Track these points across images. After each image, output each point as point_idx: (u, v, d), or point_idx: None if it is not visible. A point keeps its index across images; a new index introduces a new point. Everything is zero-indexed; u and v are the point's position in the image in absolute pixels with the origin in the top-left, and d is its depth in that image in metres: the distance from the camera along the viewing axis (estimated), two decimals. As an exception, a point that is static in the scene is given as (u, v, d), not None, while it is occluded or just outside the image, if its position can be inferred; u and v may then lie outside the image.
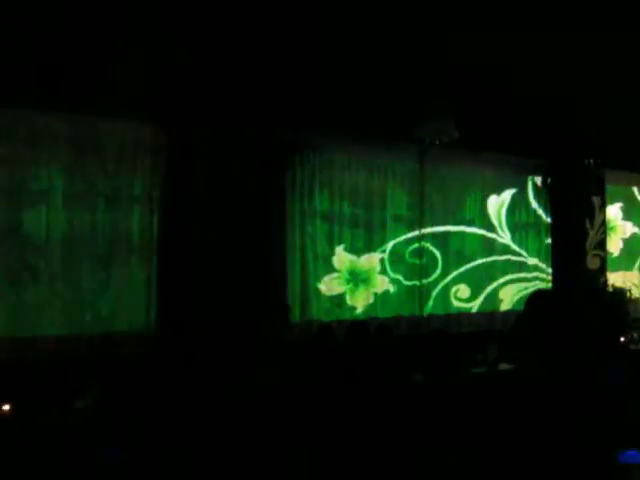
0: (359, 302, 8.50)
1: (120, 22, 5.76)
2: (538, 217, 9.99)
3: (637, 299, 10.21)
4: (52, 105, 6.47)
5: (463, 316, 9.29)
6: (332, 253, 8.28)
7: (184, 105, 6.88)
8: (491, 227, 9.58)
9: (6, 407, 5.49)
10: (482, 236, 9.49)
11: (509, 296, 9.60)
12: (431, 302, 9.03)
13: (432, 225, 9.05)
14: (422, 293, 8.95)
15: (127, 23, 5.77)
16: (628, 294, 9.87)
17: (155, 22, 6.07)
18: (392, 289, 8.74)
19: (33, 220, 6.52)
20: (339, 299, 8.35)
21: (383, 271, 8.69)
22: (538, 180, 9.97)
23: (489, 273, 9.50)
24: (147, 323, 6.97)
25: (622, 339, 8.30)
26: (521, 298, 9.35)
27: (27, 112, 6.47)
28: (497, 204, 9.69)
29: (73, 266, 6.70)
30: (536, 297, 5.14)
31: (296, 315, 7.76)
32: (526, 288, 9.52)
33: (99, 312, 6.78)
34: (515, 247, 9.75)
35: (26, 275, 6.48)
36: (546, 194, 10.00)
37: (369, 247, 8.58)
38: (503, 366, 7.39)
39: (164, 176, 7.07)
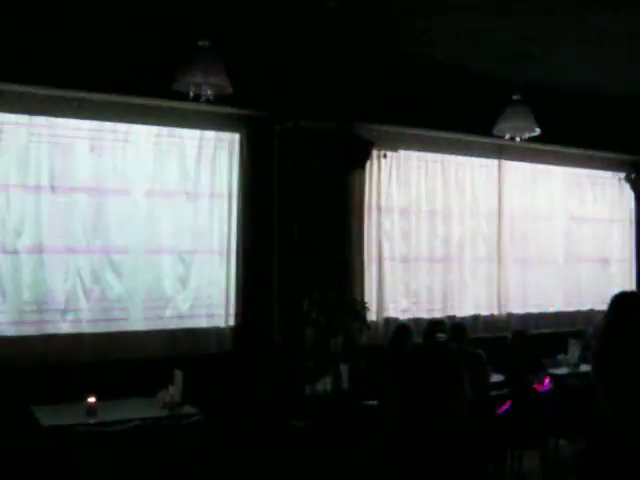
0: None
1: (201, 21, 5.85)
2: (622, 213, 9.73)
3: None
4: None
5: (543, 315, 9.11)
6: (409, 250, 8.22)
7: (264, 101, 6.92)
8: (572, 223, 9.39)
9: (92, 399, 5.66)
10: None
11: (591, 295, 9.37)
12: (510, 301, 8.90)
13: (510, 222, 8.92)
14: (501, 291, 8.83)
15: (208, 23, 5.87)
16: None
17: (236, 21, 6.18)
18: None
19: (115, 217, 6.68)
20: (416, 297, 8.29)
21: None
22: (622, 176, 9.74)
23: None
24: (226, 320, 7.06)
25: None
26: (604, 297, 9.10)
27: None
28: (579, 200, 9.49)
29: (154, 263, 6.84)
30: (620, 299, 4.99)
31: (373, 313, 7.72)
32: (609, 286, 9.25)
33: (179, 308, 6.90)
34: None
35: (109, 273, 6.65)
36: (630, 190, 9.75)
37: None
38: (584, 368, 7.23)
39: (243, 173, 7.13)
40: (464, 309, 8.53)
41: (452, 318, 8.16)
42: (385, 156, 7.95)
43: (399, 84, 7.57)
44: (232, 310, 7.07)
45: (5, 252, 6.24)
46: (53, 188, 6.40)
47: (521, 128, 7.21)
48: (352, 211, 7.62)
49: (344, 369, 6.63)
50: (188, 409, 5.84)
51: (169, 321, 6.83)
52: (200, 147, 7.00)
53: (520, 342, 7.16)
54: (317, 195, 7.23)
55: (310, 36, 6.57)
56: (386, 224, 8.01)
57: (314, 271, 7.09)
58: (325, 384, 6.57)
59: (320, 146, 7.22)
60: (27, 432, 5.57)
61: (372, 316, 7.67)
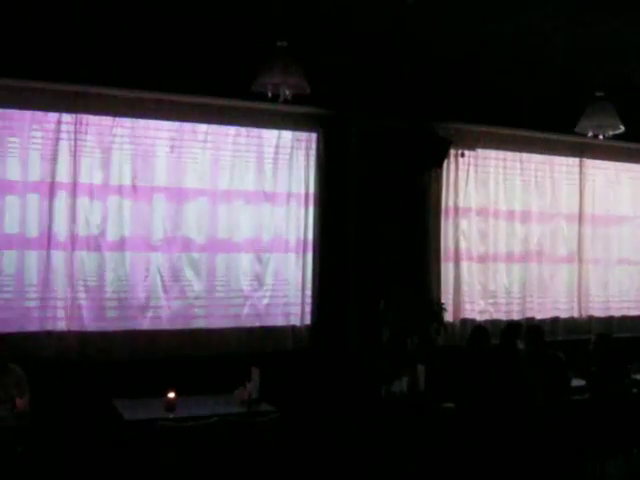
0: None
1: (279, 21, 5.89)
2: None
3: None
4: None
5: (626, 318, 8.84)
6: (487, 250, 8.09)
7: (341, 100, 6.92)
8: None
9: (172, 395, 5.76)
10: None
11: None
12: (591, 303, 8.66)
13: (592, 222, 8.69)
14: (581, 293, 8.61)
15: (286, 23, 5.90)
16: None
17: (314, 21, 6.19)
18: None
19: (194, 216, 6.80)
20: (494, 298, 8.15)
21: (541, 269, 8.43)
22: None
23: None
24: (302, 318, 7.09)
25: None
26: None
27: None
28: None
29: (232, 261, 6.92)
30: None
31: (449, 314, 7.63)
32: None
33: (256, 306, 6.96)
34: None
35: (188, 270, 6.76)
36: None
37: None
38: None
39: (320, 172, 7.16)
40: (543, 311, 8.34)
41: (530, 320, 8.00)
42: (463, 155, 7.84)
43: (478, 82, 7.45)
44: (308, 309, 7.12)
45: (89, 250, 6.42)
46: (135, 188, 6.56)
47: (604, 126, 6.99)
48: (429, 211, 7.56)
49: (420, 370, 6.56)
50: (265, 407, 5.89)
51: (246, 319, 6.92)
52: (277, 147, 7.06)
53: (604, 346, 6.95)
54: (394, 195, 7.20)
55: (387, 34, 6.52)
56: (463, 224, 7.91)
57: (390, 271, 7.04)
58: (401, 385, 6.52)
59: (397, 145, 7.17)
60: (110, 425, 5.72)
61: (449, 317, 7.58)
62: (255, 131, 6.97)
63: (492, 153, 8.13)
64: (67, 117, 6.36)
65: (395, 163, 7.17)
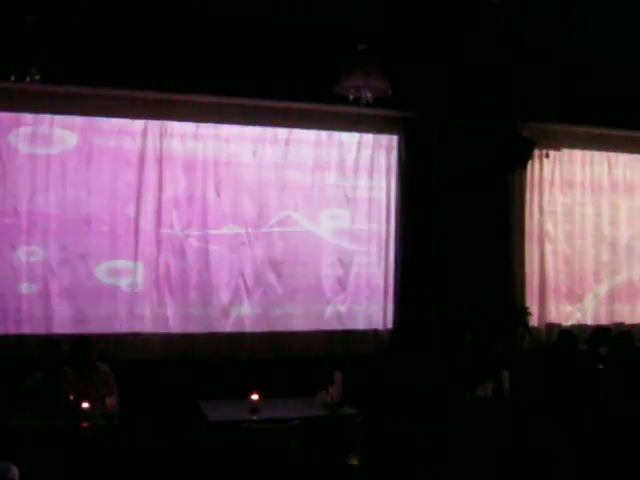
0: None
1: (360, 25, 5.89)
2: None
3: None
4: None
5: None
6: (573, 252, 7.87)
7: (423, 102, 6.86)
8: None
9: (255, 397, 5.81)
10: None
11: None
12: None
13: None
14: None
15: (367, 26, 5.90)
16: None
17: (395, 23, 6.17)
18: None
19: (275, 219, 6.86)
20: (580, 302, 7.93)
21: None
22: None
23: None
24: (384, 322, 7.06)
25: None
26: None
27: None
28: None
29: (314, 264, 6.95)
30: None
31: (534, 318, 7.46)
32: None
33: (338, 309, 6.96)
34: None
35: (270, 273, 6.81)
36: None
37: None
38: None
39: (402, 175, 7.11)
40: (633, 316, 8.05)
41: (619, 325, 7.74)
42: (547, 155, 7.67)
43: (562, 80, 7.26)
44: (390, 312, 7.07)
45: (174, 254, 6.56)
46: (218, 192, 6.65)
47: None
48: (512, 212, 7.41)
49: (505, 375, 6.43)
50: (348, 410, 5.87)
51: (328, 322, 6.94)
52: (359, 150, 7.04)
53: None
54: (477, 197, 7.07)
55: (468, 35, 6.43)
56: (548, 226, 7.72)
57: (473, 274, 6.93)
58: (486, 389, 6.41)
59: (480, 146, 7.05)
60: (195, 426, 5.81)
61: (534, 321, 7.40)
62: (336, 134, 6.99)
63: (578, 153, 7.91)
64: (153, 124, 6.52)
65: (478, 165, 7.05)
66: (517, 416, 6.15)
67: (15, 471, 3.58)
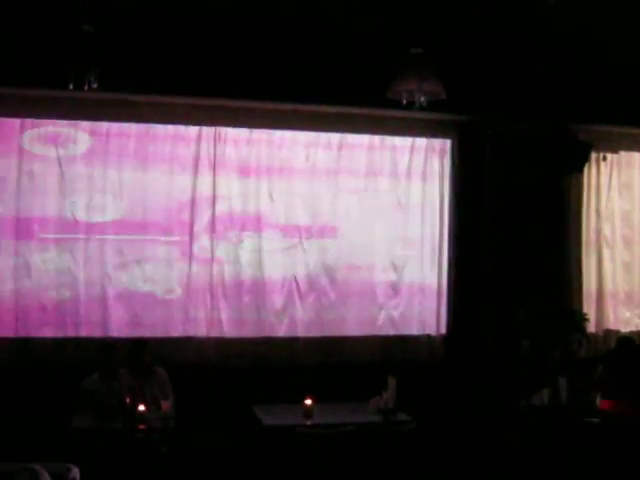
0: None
1: (413, 28, 5.87)
2: None
3: None
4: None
5: None
6: (632, 257, 7.69)
7: (476, 105, 6.80)
8: None
9: (309, 402, 5.81)
10: None
11: None
12: None
13: None
14: None
15: (419, 30, 5.87)
16: None
17: (447, 26, 6.12)
18: None
19: (328, 224, 6.88)
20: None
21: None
22: None
23: None
24: (438, 328, 7.01)
25: None
26: None
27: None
28: None
29: (367, 269, 6.92)
30: None
31: (592, 325, 7.31)
32: None
33: (391, 315, 6.94)
34: None
35: (323, 278, 6.82)
36: None
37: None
38: None
39: (455, 179, 7.07)
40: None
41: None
42: (605, 158, 7.50)
43: (620, 81, 7.11)
44: (444, 317, 7.02)
45: (228, 258, 6.62)
46: (272, 197, 6.70)
47: None
48: (569, 217, 7.28)
49: (562, 383, 6.32)
50: (402, 416, 5.84)
51: (381, 327, 6.91)
52: (411, 154, 7.01)
53: None
54: (532, 201, 6.97)
55: (521, 36, 6.34)
56: (606, 230, 7.55)
57: (529, 279, 6.83)
58: (542, 398, 6.30)
59: (535, 150, 6.94)
60: (250, 430, 5.84)
61: (591, 328, 7.26)
62: (389, 139, 6.97)
63: (636, 156, 7.73)
64: (207, 130, 6.60)
65: (533, 168, 6.94)
66: (574, 425, 6.04)
67: (76, 472, 3.66)
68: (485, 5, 5.78)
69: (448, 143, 7.10)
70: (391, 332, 6.92)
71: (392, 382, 5.96)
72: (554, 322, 6.63)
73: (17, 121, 6.31)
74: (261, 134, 6.70)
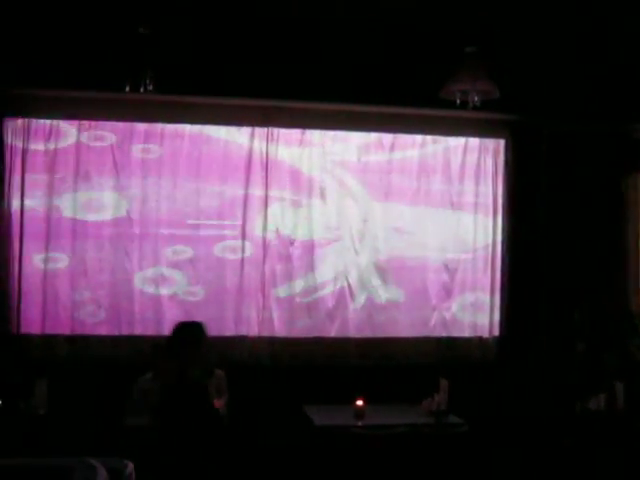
0: None
1: (467, 26, 5.83)
2: None
3: None
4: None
5: None
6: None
7: (530, 104, 6.70)
8: None
9: (360, 402, 5.81)
10: None
11: None
12: None
13: None
14: None
15: (473, 28, 5.83)
16: None
17: (501, 24, 6.05)
18: None
19: (379, 224, 6.85)
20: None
21: None
22: None
23: None
24: (490, 329, 6.93)
25: None
26: None
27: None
28: None
29: (419, 269, 6.89)
30: None
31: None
32: None
33: (443, 316, 6.89)
34: None
35: (375, 279, 6.81)
36: None
37: None
38: None
39: (509, 180, 6.98)
40: None
41: None
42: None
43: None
44: (497, 319, 6.93)
45: (280, 258, 6.66)
46: (324, 197, 6.72)
47: None
48: (627, 218, 7.10)
49: (619, 388, 6.18)
50: (454, 419, 5.79)
51: (433, 328, 6.86)
52: (464, 155, 6.95)
53: None
54: (589, 202, 6.83)
55: (577, 33, 6.23)
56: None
57: (585, 281, 6.71)
58: (599, 402, 6.18)
59: (592, 150, 6.82)
60: (301, 430, 5.86)
61: (651, 331, 7.09)
62: (441, 139, 6.91)
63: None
64: (259, 130, 6.64)
65: (590, 169, 6.82)
66: (630, 431, 5.91)
67: (132, 468, 3.72)
68: (540, 3, 5.70)
69: (502, 143, 7.00)
70: (443, 334, 6.86)
71: (444, 384, 5.93)
72: (611, 325, 6.50)
73: (75, 123, 6.44)
74: (313, 134, 6.72)
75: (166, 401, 5.03)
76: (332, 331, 6.73)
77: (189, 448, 4.89)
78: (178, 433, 4.96)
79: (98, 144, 6.46)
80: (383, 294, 6.79)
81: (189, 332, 5.56)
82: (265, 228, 6.62)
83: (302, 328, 6.69)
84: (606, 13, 5.72)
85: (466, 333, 6.92)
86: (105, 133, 6.47)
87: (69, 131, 6.43)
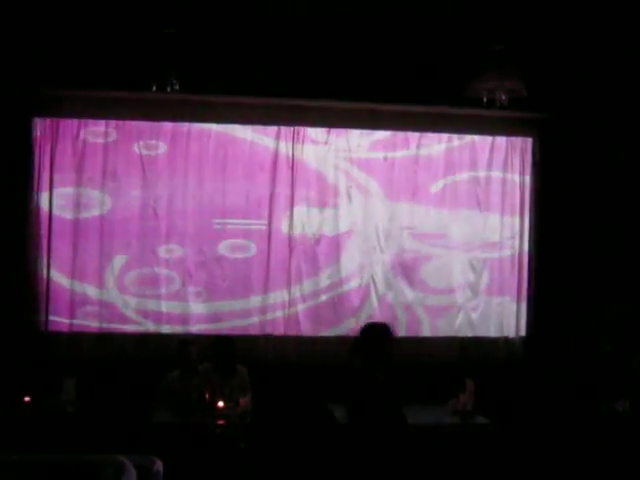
0: None
1: (493, 24, 5.79)
2: None
3: None
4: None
5: None
6: None
7: (559, 102, 6.66)
8: None
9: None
10: None
11: None
12: None
13: None
14: None
15: (500, 25, 5.79)
16: None
17: (528, 21, 6.01)
18: None
19: (405, 223, 6.86)
20: None
21: None
22: None
23: None
24: (517, 330, 6.89)
25: None
26: None
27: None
28: None
29: (445, 269, 6.87)
30: None
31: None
32: None
33: (469, 316, 6.86)
34: None
35: (401, 278, 6.80)
36: None
37: None
38: None
39: (536, 178, 6.94)
40: None
41: None
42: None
43: None
44: (523, 320, 6.90)
45: (305, 256, 6.68)
46: (349, 196, 6.72)
47: None
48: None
49: (646, 389, 6.12)
50: (480, 419, 5.76)
51: (459, 328, 6.85)
52: (491, 153, 6.91)
53: None
54: (617, 201, 6.75)
55: (604, 31, 6.16)
56: None
57: (613, 281, 6.63)
58: (625, 404, 6.11)
59: (620, 148, 6.74)
60: (326, 429, 5.85)
61: (679, 333, 7.01)
62: (468, 137, 6.88)
63: None
64: (285, 129, 6.66)
65: (618, 167, 6.74)
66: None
67: (160, 465, 3.73)
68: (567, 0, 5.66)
69: (529, 141, 6.96)
70: (469, 334, 6.84)
71: (470, 384, 5.89)
72: (638, 326, 6.43)
73: (102, 123, 6.49)
74: (339, 133, 6.72)
75: (363, 401, 5.07)
76: (358, 330, 6.71)
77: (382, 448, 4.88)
78: (375, 433, 4.95)
79: (125, 143, 6.52)
80: (409, 293, 6.78)
81: (378, 333, 5.64)
82: (291, 226, 6.64)
83: (327, 326, 6.70)
84: (635, 11, 5.65)
85: (492, 333, 6.89)
86: (132, 132, 6.52)
87: (96, 131, 6.50)
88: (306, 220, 6.68)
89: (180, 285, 6.56)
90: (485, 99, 5.77)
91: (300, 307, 6.66)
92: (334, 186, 6.71)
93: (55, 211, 6.41)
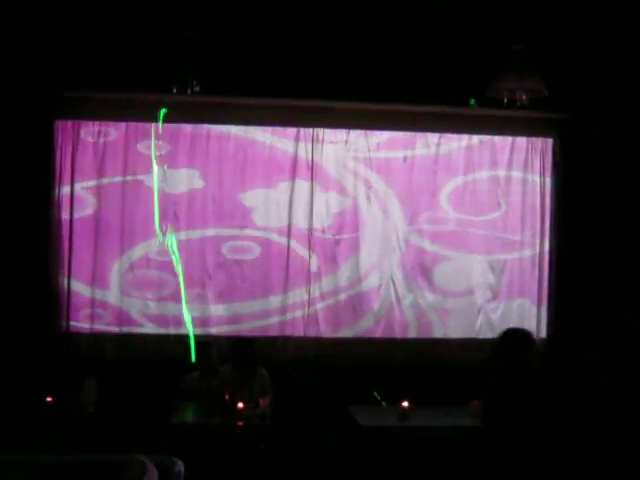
0: None
1: (513, 24, 5.76)
2: None
3: None
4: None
5: None
6: None
7: (580, 102, 6.61)
8: None
9: (405, 404, 5.77)
10: None
11: None
12: None
13: None
14: None
15: (520, 25, 5.76)
16: None
17: (549, 21, 5.97)
18: None
19: (425, 225, 6.82)
20: None
21: None
22: None
23: None
24: (537, 331, 6.83)
25: None
26: None
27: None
28: None
29: (465, 271, 6.84)
30: None
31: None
32: None
33: (489, 317, 6.84)
34: None
35: (421, 279, 6.78)
36: None
37: None
38: None
39: (557, 179, 6.89)
40: None
41: None
42: None
43: None
44: (544, 321, 6.85)
45: (325, 258, 6.69)
46: (369, 198, 6.72)
47: None
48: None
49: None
50: (500, 421, 5.72)
51: (479, 330, 6.82)
52: (511, 153, 6.87)
53: None
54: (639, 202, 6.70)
55: (627, 30, 6.10)
56: None
57: (636, 282, 6.56)
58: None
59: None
60: (346, 431, 5.85)
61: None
62: (488, 138, 6.85)
63: None
64: (304, 131, 6.67)
65: (639, 168, 6.67)
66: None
67: (181, 465, 3.75)
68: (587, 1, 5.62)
69: (550, 142, 6.91)
70: (489, 335, 6.79)
71: (489, 385, 5.84)
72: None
73: (123, 125, 6.53)
74: (359, 134, 6.71)
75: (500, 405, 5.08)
76: (377, 332, 6.73)
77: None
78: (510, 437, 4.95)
79: (145, 145, 6.55)
80: (428, 294, 6.76)
81: (519, 337, 5.65)
82: (310, 227, 6.64)
83: (347, 328, 6.70)
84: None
85: (512, 335, 6.83)
86: (151, 134, 6.55)
87: (117, 133, 6.53)
88: (326, 220, 6.68)
89: (200, 287, 6.58)
90: (506, 99, 5.74)
91: (319, 306, 6.66)
92: (353, 187, 6.71)
93: (76, 213, 6.46)
